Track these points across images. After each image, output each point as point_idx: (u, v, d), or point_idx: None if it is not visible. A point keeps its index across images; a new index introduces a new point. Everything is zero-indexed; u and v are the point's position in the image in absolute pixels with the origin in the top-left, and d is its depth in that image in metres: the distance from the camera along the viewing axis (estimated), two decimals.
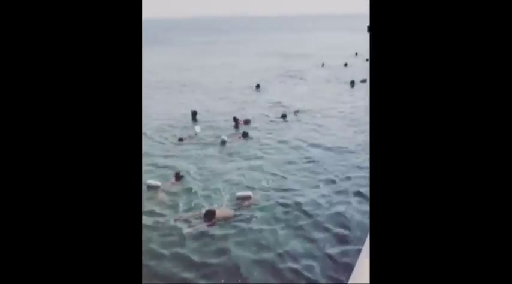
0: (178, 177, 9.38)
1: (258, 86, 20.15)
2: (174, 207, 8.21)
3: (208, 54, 37.92)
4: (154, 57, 33.84)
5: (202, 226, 7.27)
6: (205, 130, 13.16)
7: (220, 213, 7.65)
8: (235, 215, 7.78)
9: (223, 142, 11.99)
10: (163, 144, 12.11)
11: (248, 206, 8.13)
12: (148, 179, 9.00)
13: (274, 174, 9.76)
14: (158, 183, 8.96)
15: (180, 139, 11.98)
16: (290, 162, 10.53)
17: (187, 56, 36.51)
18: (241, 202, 8.29)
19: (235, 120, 13.31)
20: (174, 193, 8.77)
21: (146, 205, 8.05)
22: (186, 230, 7.19)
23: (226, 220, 7.54)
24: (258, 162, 10.61)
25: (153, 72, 25.91)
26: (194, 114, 14.13)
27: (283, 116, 14.52)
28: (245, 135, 12.53)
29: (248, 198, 8.31)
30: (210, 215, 7.48)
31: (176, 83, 22.48)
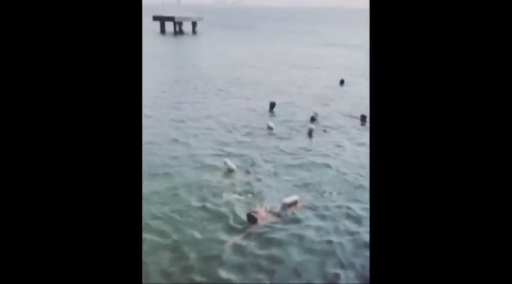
0: (249, 169, 8.85)
1: (342, 81, 18.55)
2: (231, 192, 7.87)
3: (297, 43, 36.54)
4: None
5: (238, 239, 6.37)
6: (281, 124, 12.13)
7: (262, 217, 6.82)
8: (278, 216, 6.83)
9: (310, 133, 11.18)
10: (234, 133, 11.22)
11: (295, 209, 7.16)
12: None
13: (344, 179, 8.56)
14: (233, 166, 8.80)
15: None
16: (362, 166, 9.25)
17: (276, 45, 35.36)
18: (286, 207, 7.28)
19: (313, 117, 12.18)
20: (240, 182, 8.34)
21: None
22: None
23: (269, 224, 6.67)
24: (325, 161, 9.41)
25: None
26: (272, 105, 13.47)
27: (363, 118, 13.04)
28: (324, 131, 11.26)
29: (294, 203, 7.39)
30: (251, 220, 6.76)
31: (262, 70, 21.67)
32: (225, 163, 8.64)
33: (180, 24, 42.73)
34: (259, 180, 8.25)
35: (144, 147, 8.40)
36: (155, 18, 42.91)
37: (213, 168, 8.71)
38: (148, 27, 42.92)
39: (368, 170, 7.95)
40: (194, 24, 43.55)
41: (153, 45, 31.92)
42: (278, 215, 6.91)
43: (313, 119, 12.33)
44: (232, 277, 5.28)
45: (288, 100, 14.76)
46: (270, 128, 11.37)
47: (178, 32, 42.44)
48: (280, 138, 10.80)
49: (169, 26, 42.54)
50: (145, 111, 11.34)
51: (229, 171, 8.55)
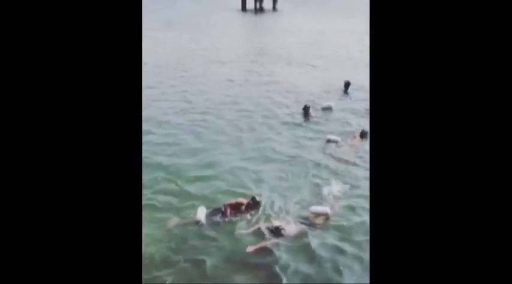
0: (363, 133, 9.07)
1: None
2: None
3: None
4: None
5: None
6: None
7: (289, 229, 6.27)
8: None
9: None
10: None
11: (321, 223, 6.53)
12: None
13: None
14: (338, 138, 9.06)
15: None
16: None
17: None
18: (314, 218, 6.65)
19: (306, 108, 10.65)
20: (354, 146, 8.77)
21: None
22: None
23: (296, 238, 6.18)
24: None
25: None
26: (347, 84, 12.80)
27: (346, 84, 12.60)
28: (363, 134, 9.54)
29: (324, 215, 6.66)
30: (277, 233, 6.20)
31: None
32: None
33: (261, 0, 42.38)
34: None
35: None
36: None
37: None
38: (230, 5, 43.35)
39: None
40: (275, 0, 42.93)
41: (234, 22, 32.25)
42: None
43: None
44: None
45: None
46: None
47: (259, 9, 42.21)
48: None
49: (250, 3, 42.42)
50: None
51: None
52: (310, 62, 17.36)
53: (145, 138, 7.56)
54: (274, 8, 42.71)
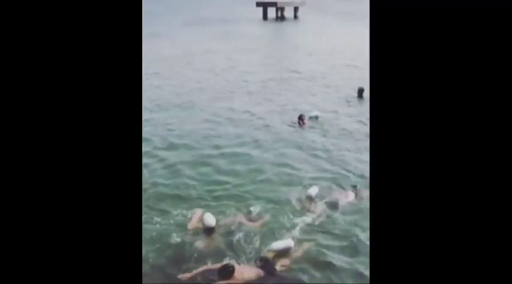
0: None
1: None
2: None
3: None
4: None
5: None
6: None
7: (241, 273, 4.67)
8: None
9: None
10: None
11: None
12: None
13: None
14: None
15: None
16: None
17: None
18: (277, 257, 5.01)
19: (300, 118, 10.52)
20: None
21: None
22: None
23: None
24: None
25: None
26: (361, 91, 12.80)
27: None
28: None
29: (287, 251, 5.07)
30: (225, 273, 4.62)
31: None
32: None
33: (282, 9, 42.72)
34: None
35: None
36: (258, 4, 43.48)
37: None
38: (252, 14, 43.88)
39: None
40: (296, 9, 43.22)
41: (254, 31, 32.59)
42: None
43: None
44: None
45: None
46: None
47: (280, 17, 42.52)
48: None
49: (271, 12, 42.83)
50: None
51: None
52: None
53: None
54: (295, 17, 42.93)
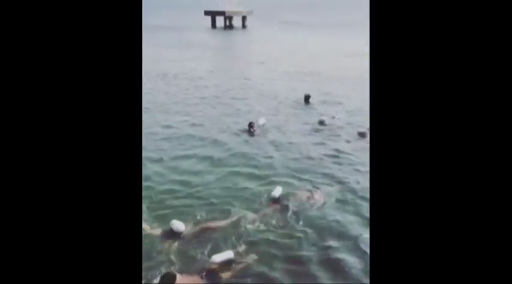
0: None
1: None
2: None
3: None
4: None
5: None
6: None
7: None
8: None
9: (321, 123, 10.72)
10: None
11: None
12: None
13: None
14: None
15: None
16: None
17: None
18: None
19: (250, 125, 10.36)
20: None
21: None
22: None
23: None
24: None
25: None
26: (307, 97, 13.07)
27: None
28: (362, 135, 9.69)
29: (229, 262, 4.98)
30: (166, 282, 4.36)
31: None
32: None
33: (231, 18, 43.06)
34: None
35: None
36: (206, 13, 43.57)
37: None
38: (200, 22, 43.84)
39: None
40: (244, 18, 43.71)
41: (204, 39, 32.58)
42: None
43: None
44: None
45: None
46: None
47: (229, 26, 42.83)
48: None
49: (220, 21, 43.07)
50: None
51: None
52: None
53: None
54: (243, 26, 43.42)
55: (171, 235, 5.42)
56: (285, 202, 6.48)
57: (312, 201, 6.63)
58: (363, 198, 6.80)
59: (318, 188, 7.14)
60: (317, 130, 10.52)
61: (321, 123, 10.84)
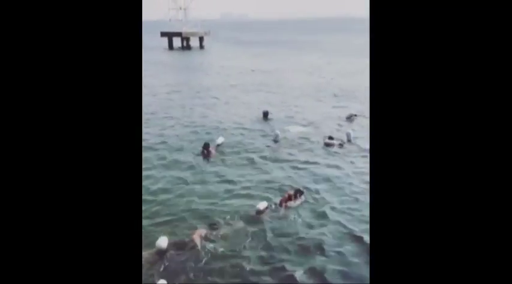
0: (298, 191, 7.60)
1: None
2: None
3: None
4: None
5: None
6: None
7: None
8: None
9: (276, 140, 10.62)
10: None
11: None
12: None
13: None
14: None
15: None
16: None
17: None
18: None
19: (206, 146, 9.81)
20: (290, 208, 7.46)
21: None
22: None
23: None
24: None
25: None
26: (265, 114, 13.25)
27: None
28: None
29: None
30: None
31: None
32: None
33: (188, 39, 43.23)
34: None
35: None
36: (163, 34, 43.52)
37: None
38: (157, 44, 43.68)
39: None
40: (201, 39, 44.02)
41: (161, 59, 32.48)
42: None
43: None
44: None
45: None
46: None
47: (186, 47, 42.95)
48: None
49: (177, 42, 43.14)
50: None
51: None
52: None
53: None
54: (201, 46, 43.70)
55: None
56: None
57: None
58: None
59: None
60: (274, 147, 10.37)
61: (275, 139, 10.72)
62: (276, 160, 9.44)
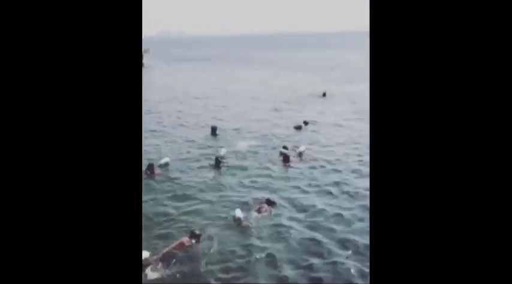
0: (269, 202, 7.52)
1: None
2: None
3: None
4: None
5: None
6: None
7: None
8: None
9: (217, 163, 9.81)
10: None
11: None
12: None
13: None
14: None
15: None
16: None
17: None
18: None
19: (149, 167, 9.20)
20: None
21: None
22: None
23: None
24: None
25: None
26: (214, 129, 13.02)
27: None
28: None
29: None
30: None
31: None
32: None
33: None
34: None
35: None
36: None
37: None
38: None
39: None
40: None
41: None
42: None
43: None
44: None
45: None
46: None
47: None
48: None
49: None
50: None
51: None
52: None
53: None
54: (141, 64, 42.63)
55: None
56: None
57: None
58: None
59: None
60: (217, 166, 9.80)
61: (218, 160, 9.84)
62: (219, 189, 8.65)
